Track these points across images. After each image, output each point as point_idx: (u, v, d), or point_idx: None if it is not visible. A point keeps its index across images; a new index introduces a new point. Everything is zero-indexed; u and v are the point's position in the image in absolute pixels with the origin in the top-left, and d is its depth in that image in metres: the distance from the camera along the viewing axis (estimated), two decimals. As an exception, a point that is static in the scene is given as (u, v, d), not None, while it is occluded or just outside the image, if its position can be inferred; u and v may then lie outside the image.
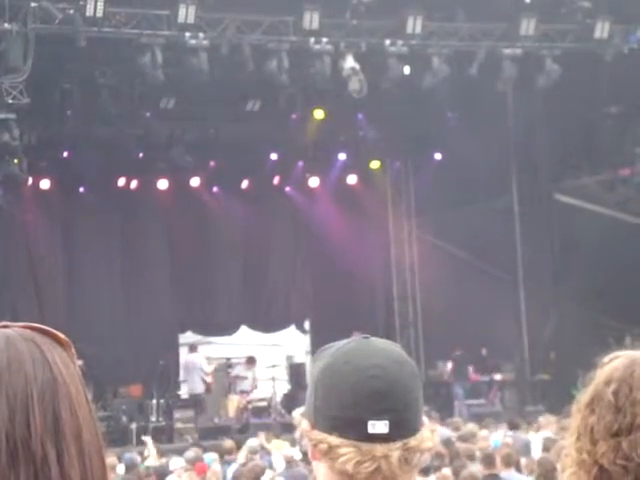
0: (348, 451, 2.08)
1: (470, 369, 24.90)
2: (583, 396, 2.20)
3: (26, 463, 1.47)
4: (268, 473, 14.19)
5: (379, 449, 2.08)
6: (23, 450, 1.48)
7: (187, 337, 27.89)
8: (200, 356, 24.34)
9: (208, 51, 20.30)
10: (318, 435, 2.13)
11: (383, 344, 2.18)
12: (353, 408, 2.09)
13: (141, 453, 17.86)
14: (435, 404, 22.54)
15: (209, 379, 23.80)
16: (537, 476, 11.92)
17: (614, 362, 2.21)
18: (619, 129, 23.55)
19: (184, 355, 25.20)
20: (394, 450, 2.09)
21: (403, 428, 2.10)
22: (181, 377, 24.58)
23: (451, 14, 22.10)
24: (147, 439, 18.67)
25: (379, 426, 2.08)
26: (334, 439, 2.10)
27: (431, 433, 2.15)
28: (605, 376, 2.18)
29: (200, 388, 23.73)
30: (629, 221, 24.17)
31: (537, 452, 14.76)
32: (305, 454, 12.88)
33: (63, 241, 25.74)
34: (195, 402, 23.45)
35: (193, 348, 24.68)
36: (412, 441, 2.10)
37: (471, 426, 18.04)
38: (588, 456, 2.13)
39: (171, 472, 14.89)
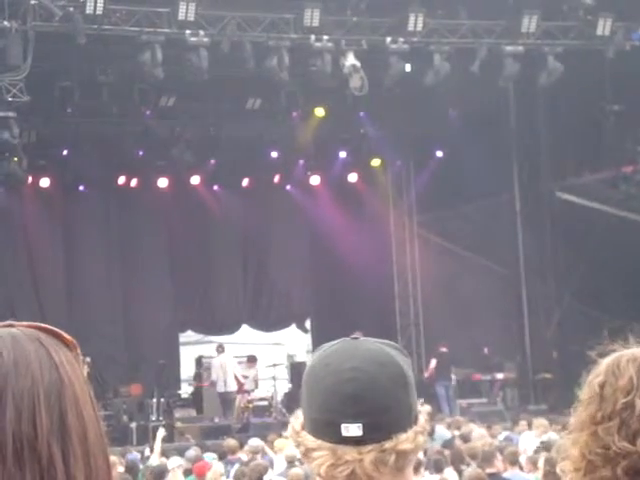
0: (322, 454, 2.08)
1: (453, 368, 24.69)
2: (581, 395, 2.21)
3: (32, 463, 1.47)
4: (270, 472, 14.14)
5: (351, 453, 2.06)
6: (29, 450, 1.47)
7: (188, 336, 27.86)
8: (230, 355, 24.31)
9: (208, 49, 20.25)
10: (299, 437, 2.13)
11: (370, 345, 2.14)
12: (328, 411, 2.08)
13: (142, 452, 17.80)
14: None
15: (242, 378, 23.88)
16: (544, 474, 11.88)
17: (625, 355, 2.22)
18: (621, 127, 23.48)
19: (215, 356, 24.92)
20: (366, 453, 2.06)
21: (380, 431, 2.07)
22: (213, 377, 24.40)
23: (452, 11, 22.04)
24: (160, 434, 18.36)
25: (352, 429, 2.05)
26: (312, 442, 2.10)
27: (415, 434, 2.10)
28: (596, 371, 2.21)
29: (233, 386, 23.76)
30: (631, 219, 24.11)
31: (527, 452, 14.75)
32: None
33: (63, 239, 25.69)
34: (227, 400, 23.53)
35: (221, 348, 24.57)
36: (387, 443, 2.07)
37: (471, 425, 17.99)
38: (577, 449, 2.15)
39: (169, 471, 14.81)
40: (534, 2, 21.99)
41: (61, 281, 25.73)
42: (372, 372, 2.08)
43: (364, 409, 2.06)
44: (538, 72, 22.03)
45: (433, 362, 24.82)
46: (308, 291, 28.43)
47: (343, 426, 2.05)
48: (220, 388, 23.87)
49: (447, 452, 14.41)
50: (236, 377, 23.92)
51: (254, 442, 17.00)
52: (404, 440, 2.09)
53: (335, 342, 2.18)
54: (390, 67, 21.27)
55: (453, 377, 24.52)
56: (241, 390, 23.92)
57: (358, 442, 2.06)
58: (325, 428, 2.08)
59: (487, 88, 22.95)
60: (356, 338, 2.17)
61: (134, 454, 16.97)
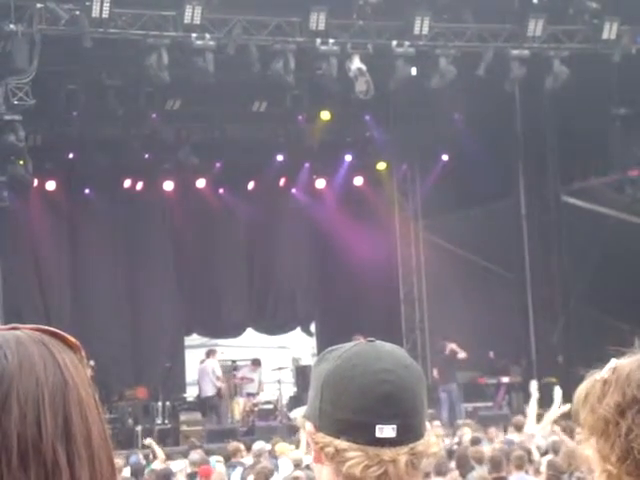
0: (356, 455, 2.07)
1: (457, 373, 24.64)
2: (610, 400, 2.18)
3: (37, 466, 1.47)
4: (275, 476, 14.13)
5: (387, 453, 2.07)
6: (34, 453, 1.47)
7: (193, 339, 27.85)
8: (214, 361, 24.26)
9: (214, 52, 20.25)
10: (324, 438, 2.11)
11: (389, 347, 2.17)
12: (361, 412, 2.08)
13: (147, 456, 17.80)
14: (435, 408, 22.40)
15: (219, 383, 23.73)
16: (547, 478, 11.87)
17: (635, 361, 2.20)
18: (627, 130, 23.45)
19: (199, 360, 24.96)
20: (402, 454, 2.08)
21: (410, 432, 2.10)
22: (196, 381, 24.42)
23: (458, 15, 22.03)
24: (149, 442, 18.55)
25: (387, 430, 2.07)
26: (341, 443, 2.08)
27: (437, 438, 2.12)
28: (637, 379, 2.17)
29: (210, 391, 23.70)
30: (638, 223, 24.07)
31: None
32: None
33: (68, 242, 25.70)
34: (206, 406, 23.42)
35: (209, 354, 24.54)
36: (419, 445, 2.10)
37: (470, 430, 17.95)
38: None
39: (174, 474, 14.82)
40: (540, 6, 21.98)
41: (67, 284, 25.74)
42: (402, 374, 2.11)
43: (398, 410, 2.08)
44: (544, 76, 22.00)
45: (435, 370, 24.74)
46: (313, 294, 28.41)
47: (378, 427, 2.07)
48: (201, 393, 23.91)
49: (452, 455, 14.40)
50: (213, 383, 23.76)
51: (258, 445, 17.01)
52: (433, 443, 2.13)
53: (353, 344, 2.18)
54: (396, 71, 21.26)
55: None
56: (220, 395, 23.75)
57: (392, 443, 2.07)
58: (356, 429, 2.08)
59: (493, 92, 22.93)
60: (372, 340, 2.18)
61: (137, 456, 16.95)
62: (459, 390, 24.45)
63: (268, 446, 17.28)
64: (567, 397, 21.61)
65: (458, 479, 13.07)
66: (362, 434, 2.07)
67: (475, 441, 15.99)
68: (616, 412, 2.17)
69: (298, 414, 2.23)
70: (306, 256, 28.04)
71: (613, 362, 2.23)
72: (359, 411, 2.07)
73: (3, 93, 19.33)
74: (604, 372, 2.22)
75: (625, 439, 2.15)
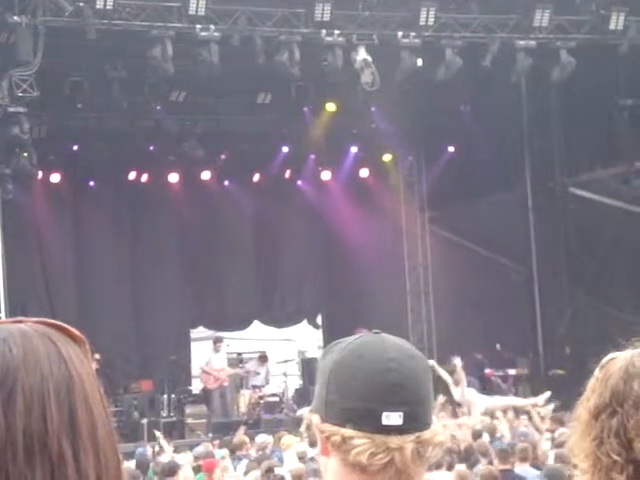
0: (362, 442, 2.07)
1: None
2: (592, 401, 2.15)
3: (42, 459, 1.47)
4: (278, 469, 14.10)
5: (394, 441, 2.07)
6: (40, 447, 1.47)
7: (199, 332, 27.83)
8: (217, 354, 24.26)
9: (219, 43, 20.21)
10: (330, 428, 2.11)
11: (394, 339, 2.18)
12: (367, 400, 2.08)
13: (153, 447, 17.78)
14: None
15: (201, 373, 23.84)
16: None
17: (619, 360, 2.17)
18: (635, 121, 23.35)
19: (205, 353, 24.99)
20: (408, 442, 2.08)
21: (416, 421, 2.10)
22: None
23: (464, 6, 21.96)
24: (158, 434, 18.53)
25: (393, 418, 2.07)
26: (348, 431, 2.08)
27: (443, 427, 2.11)
28: (621, 375, 2.13)
29: (206, 383, 23.78)
30: (645, 214, 24.01)
31: None
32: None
33: (73, 235, 25.70)
34: (205, 397, 23.44)
35: (216, 343, 24.54)
36: (425, 434, 2.10)
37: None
38: (619, 457, 2.09)
39: (180, 467, 14.79)
40: (547, -4, 21.90)
41: (71, 277, 25.74)
42: (408, 363, 2.12)
43: (404, 398, 2.08)
44: (551, 67, 21.93)
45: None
46: (319, 287, 28.41)
47: (384, 415, 2.06)
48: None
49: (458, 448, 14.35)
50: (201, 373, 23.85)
51: (261, 438, 17.00)
52: (439, 432, 2.12)
53: (358, 336, 2.19)
54: (401, 62, 21.19)
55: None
56: (206, 388, 23.75)
57: (398, 431, 2.07)
58: (362, 417, 2.08)
59: (499, 83, 22.86)
60: (377, 332, 2.18)
61: (144, 449, 16.94)
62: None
63: (271, 438, 17.27)
64: (575, 389, 21.57)
65: (466, 472, 13.02)
66: (368, 422, 2.07)
67: (477, 434, 15.93)
68: (592, 415, 2.15)
69: (306, 411, 2.21)
70: (312, 248, 28.02)
71: (607, 358, 2.19)
72: (365, 399, 2.08)
73: (7, 85, 19.31)
74: (598, 369, 2.20)
75: (594, 445, 2.13)
